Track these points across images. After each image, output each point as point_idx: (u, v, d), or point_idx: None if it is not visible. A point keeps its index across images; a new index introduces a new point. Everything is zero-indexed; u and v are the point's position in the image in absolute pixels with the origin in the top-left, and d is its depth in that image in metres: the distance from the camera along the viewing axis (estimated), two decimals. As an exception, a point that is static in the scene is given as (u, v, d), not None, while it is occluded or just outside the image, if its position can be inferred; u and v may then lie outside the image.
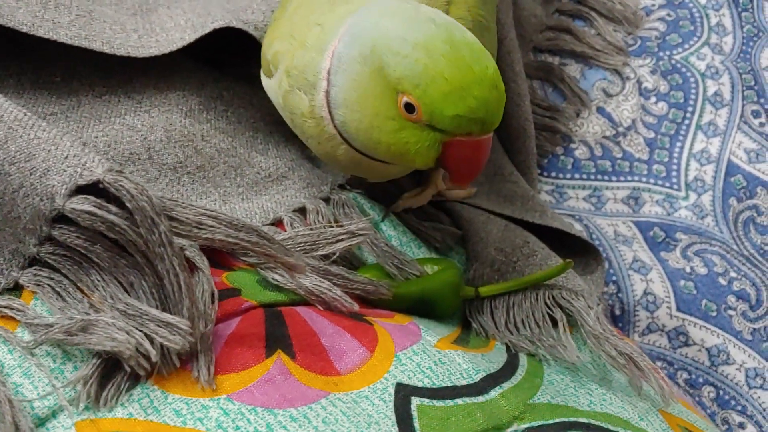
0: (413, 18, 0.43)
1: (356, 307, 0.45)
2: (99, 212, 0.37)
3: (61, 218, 0.39)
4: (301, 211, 0.51)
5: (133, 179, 0.38)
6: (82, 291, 0.40)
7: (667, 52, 0.69)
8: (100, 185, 0.38)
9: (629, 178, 0.65)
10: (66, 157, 0.38)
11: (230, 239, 0.40)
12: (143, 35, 0.55)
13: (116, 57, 0.54)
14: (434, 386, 0.41)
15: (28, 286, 0.41)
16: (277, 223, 0.50)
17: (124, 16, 0.56)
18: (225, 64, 0.59)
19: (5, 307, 0.40)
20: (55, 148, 0.39)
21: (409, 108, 0.42)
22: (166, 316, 0.37)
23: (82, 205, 0.37)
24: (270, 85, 0.50)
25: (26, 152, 0.39)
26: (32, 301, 0.41)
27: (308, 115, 0.47)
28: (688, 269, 0.61)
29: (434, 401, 0.40)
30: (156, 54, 0.53)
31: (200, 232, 0.39)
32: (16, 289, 0.42)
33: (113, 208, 0.37)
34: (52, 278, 0.40)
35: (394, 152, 0.44)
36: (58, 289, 0.40)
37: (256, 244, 0.41)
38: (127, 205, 0.37)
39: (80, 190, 0.38)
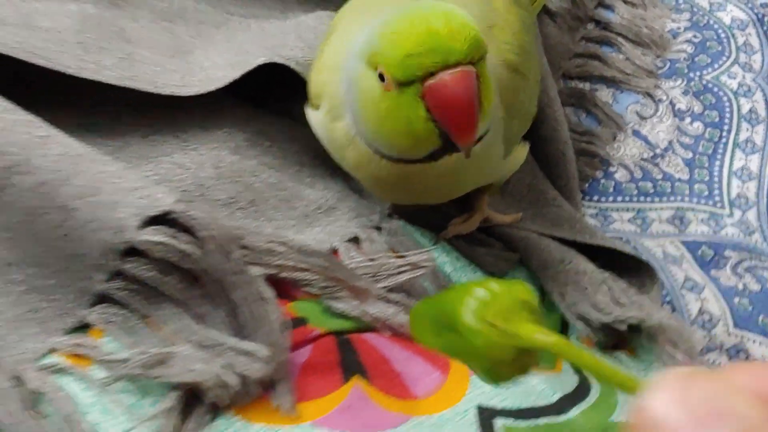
0: (396, 11, 0.42)
1: (424, 332, 0.44)
2: (172, 242, 0.36)
3: (130, 252, 0.38)
4: (354, 240, 0.51)
5: (202, 209, 0.37)
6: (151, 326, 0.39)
7: (698, 73, 0.70)
8: (169, 216, 0.37)
9: (672, 198, 0.65)
10: (134, 189, 0.38)
11: (301, 264, 0.39)
12: (185, 75, 0.55)
13: (159, 98, 0.53)
14: (514, 408, 0.40)
15: (96, 325, 0.40)
16: (333, 253, 0.50)
17: (163, 57, 0.56)
18: (264, 101, 0.59)
19: (78, 345, 0.39)
20: (122, 180, 0.38)
21: (381, 78, 0.40)
22: (245, 344, 0.36)
23: (155, 236, 0.37)
24: (317, 118, 0.50)
25: (93, 186, 0.38)
26: (100, 340, 0.40)
27: (345, 140, 0.46)
28: (740, 286, 0.60)
29: (518, 421, 0.39)
30: (200, 92, 0.53)
31: (271, 258, 0.39)
32: (84, 328, 0.41)
33: (186, 238, 0.37)
34: (121, 315, 0.40)
35: (397, 133, 0.42)
36: (128, 325, 0.39)
37: (327, 268, 0.40)
38: (200, 234, 0.36)
39: (150, 221, 0.37)
